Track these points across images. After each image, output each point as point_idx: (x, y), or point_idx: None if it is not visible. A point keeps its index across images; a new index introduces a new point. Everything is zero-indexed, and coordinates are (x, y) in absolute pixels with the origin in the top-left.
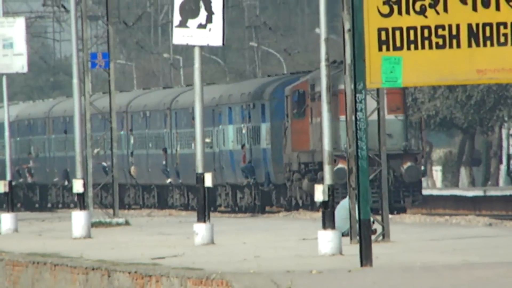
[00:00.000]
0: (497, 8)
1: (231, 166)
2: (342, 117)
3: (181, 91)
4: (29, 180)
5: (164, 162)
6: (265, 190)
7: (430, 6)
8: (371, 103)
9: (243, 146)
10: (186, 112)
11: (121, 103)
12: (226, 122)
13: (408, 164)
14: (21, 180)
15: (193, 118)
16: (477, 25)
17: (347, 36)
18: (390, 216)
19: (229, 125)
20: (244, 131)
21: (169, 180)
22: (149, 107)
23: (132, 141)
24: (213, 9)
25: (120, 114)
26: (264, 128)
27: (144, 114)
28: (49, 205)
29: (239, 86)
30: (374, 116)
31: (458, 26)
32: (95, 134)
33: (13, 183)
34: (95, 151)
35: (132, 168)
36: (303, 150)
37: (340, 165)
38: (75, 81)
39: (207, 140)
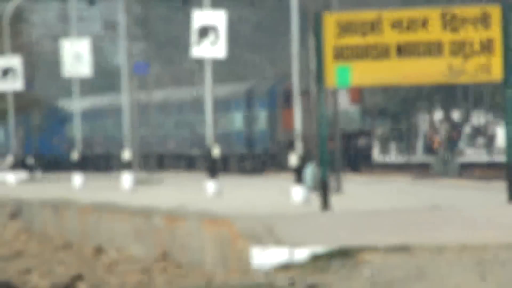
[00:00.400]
0: (416, 31)
1: (239, 141)
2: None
3: (198, 88)
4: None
5: (190, 139)
6: (263, 157)
7: (371, 29)
8: (343, 98)
9: (246, 128)
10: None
11: (164, 96)
12: (234, 110)
13: (363, 139)
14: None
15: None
16: (403, 43)
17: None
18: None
19: (236, 113)
20: (248, 117)
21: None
22: (181, 100)
23: (170, 124)
24: (219, 33)
25: (159, 107)
26: (264, 115)
27: (175, 105)
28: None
29: (243, 86)
30: (341, 105)
31: (389, 44)
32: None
33: (88, 153)
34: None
35: (170, 143)
36: (289, 129)
37: None
38: (124, 83)
39: (222, 122)
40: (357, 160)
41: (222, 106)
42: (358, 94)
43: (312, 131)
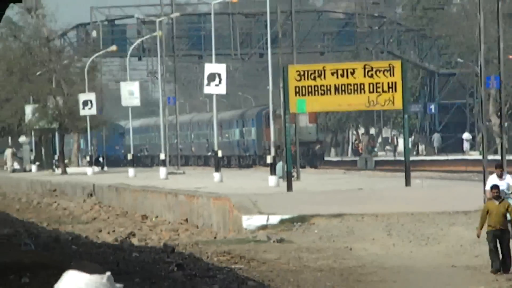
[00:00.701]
0: (347, 77)
1: (237, 147)
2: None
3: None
4: (146, 153)
5: (206, 145)
6: (254, 158)
7: (318, 76)
8: (304, 119)
9: (242, 138)
10: (218, 123)
11: (188, 118)
12: (235, 127)
13: (318, 145)
14: (142, 153)
15: (221, 126)
16: (339, 84)
17: (281, 90)
18: (304, 169)
19: (236, 129)
20: (244, 131)
21: (209, 153)
22: (201, 120)
23: (193, 135)
24: (221, 78)
25: (185, 125)
26: (254, 130)
27: (198, 124)
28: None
29: (240, 111)
30: (302, 124)
31: (330, 85)
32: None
33: (138, 155)
34: (175, 140)
35: (193, 148)
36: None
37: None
38: (161, 110)
39: (226, 135)
40: (314, 160)
41: (227, 124)
42: (315, 116)
43: (282, 140)
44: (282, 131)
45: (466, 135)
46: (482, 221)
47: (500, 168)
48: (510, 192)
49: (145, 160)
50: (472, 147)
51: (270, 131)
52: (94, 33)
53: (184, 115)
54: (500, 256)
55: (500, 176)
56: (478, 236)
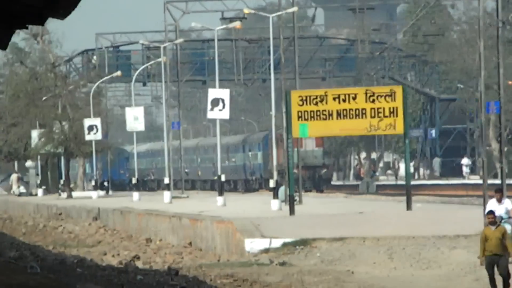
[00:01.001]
0: (349, 102)
1: (244, 171)
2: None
3: (220, 138)
4: (152, 177)
5: (213, 170)
6: (260, 181)
7: (320, 101)
8: (310, 143)
9: (249, 162)
10: (223, 148)
11: (195, 143)
12: (241, 151)
13: (324, 169)
14: (148, 177)
15: (227, 150)
16: (341, 109)
17: (284, 115)
18: (310, 193)
19: (242, 153)
20: (250, 155)
21: (215, 177)
22: (207, 144)
23: (199, 159)
24: (225, 103)
25: (192, 149)
26: (260, 154)
27: (204, 148)
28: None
29: (246, 135)
30: (309, 148)
31: (332, 110)
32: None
33: (144, 179)
34: (183, 164)
35: (199, 172)
36: (277, 163)
37: (294, 171)
38: (165, 134)
39: (233, 159)
40: (320, 184)
41: (234, 148)
42: (321, 140)
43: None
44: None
45: (466, 161)
46: (482, 248)
47: (499, 192)
48: (507, 217)
49: (151, 184)
50: (472, 172)
51: (278, 154)
52: (94, 59)
53: (190, 139)
54: (500, 281)
55: (499, 201)
56: (482, 264)
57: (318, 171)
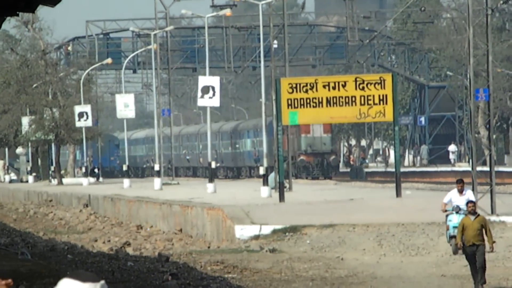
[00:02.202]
0: (339, 89)
1: (249, 157)
2: (303, 135)
3: (223, 124)
4: (152, 164)
5: (215, 156)
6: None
7: (310, 88)
8: (317, 129)
9: (254, 149)
10: (226, 134)
11: (196, 129)
12: (246, 137)
13: (332, 156)
14: (148, 164)
15: (231, 136)
16: (331, 97)
17: (274, 103)
18: (318, 180)
19: (247, 139)
20: (255, 141)
21: (218, 164)
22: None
23: (201, 146)
24: (215, 90)
25: (194, 135)
26: (265, 140)
27: (206, 135)
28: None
29: (251, 121)
30: (317, 134)
31: (322, 98)
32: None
33: (144, 166)
34: (184, 151)
35: (201, 159)
36: (283, 150)
37: (301, 157)
38: (155, 122)
39: (237, 145)
40: (328, 171)
41: (238, 134)
42: (330, 126)
43: (294, 150)
44: (292, 141)
45: (452, 147)
46: (459, 236)
47: (460, 183)
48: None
49: (151, 171)
50: (459, 159)
51: (285, 140)
52: (70, 50)
53: (191, 125)
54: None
55: (461, 192)
56: (459, 247)
57: (326, 157)
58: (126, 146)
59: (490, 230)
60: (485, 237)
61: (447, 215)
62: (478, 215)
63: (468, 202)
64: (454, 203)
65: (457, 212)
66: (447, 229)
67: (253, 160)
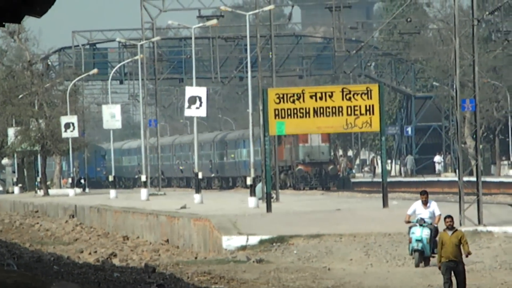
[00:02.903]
0: (326, 100)
1: (244, 167)
2: (301, 144)
3: (218, 133)
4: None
5: (210, 166)
6: (261, 179)
7: (297, 99)
8: (316, 138)
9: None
10: (221, 143)
11: (190, 139)
12: (242, 147)
13: (331, 166)
14: (140, 175)
15: (226, 145)
16: (318, 107)
17: (261, 113)
18: (315, 190)
19: (243, 149)
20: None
21: (212, 174)
22: (204, 141)
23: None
24: (202, 101)
25: (187, 145)
26: (252, 150)
27: (200, 145)
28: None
29: (246, 130)
30: (315, 143)
31: (308, 108)
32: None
33: (135, 176)
34: (177, 161)
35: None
36: (281, 160)
37: (299, 167)
38: (142, 133)
39: (232, 155)
40: (327, 181)
41: (233, 144)
42: (328, 135)
43: (292, 159)
44: (290, 150)
45: (438, 158)
46: (439, 253)
47: (424, 195)
48: (430, 222)
49: (126, 181)
50: (444, 169)
51: (282, 150)
52: (50, 64)
53: (184, 135)
54: None
55: (425, 204)
56: (440, 268)
57: (324, 167)
58: (112, 157)
59: (467, 241)
60: (462, 251)
61: (410, 227)
62: (456, 230)
63: (446, 217)
64: (418, 215)
65: (420, 225)
66: (410, 241)
67: (249, 170)
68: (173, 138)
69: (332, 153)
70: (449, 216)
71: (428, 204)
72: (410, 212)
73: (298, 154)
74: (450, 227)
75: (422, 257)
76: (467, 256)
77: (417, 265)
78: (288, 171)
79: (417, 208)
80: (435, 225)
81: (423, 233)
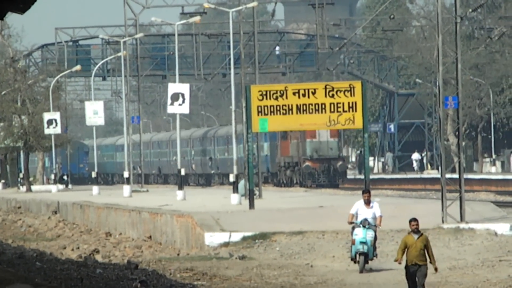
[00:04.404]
0: (309, 97)
1: (247, 164)
2: (309, 139)
3: (218, 128)
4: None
5: (210, 163)
6: (265, 175)
7: (280, 95)
8: (324, 133)
9: (253, 154)
10: (223, 138)
11: (188, 134)
12: (242, 142)
13: (340, 162)
14: (135, 171)
15: (227, 141)
16: (301, 104)
17: (244, 110)
18: (323, 189)
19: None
20: (254, 146)
21: (212, 171)
22: (202, 136)
23: (193, 152)
24: (185, 97)
25: (185, 141)
26: (266, 145)
27: (199, 140)
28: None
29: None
30: (323, 138)
31: (291, 105)
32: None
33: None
34: (174, 158)
35: (193, 166)
36: (286, 155)
37: (306, 163)
38: (125, 129)
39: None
40: (336, 177)
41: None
42: (337, 130)
43: (299, 155)
44: (296, 146)
45: (416, 155)
46: (399, 253)
47: (367, 193)
48: (373, 224)
49: (109, 178)
50: (421, 167)
51: (288, 145)
52: (20, 65)
53: (183, 130)
54: None
55: (368, 203)
56: (399, 263)
57: (333, 163)
58: (95, 153)
59: (432, 249)
60: (427, 257)
61: (353, 228)
62: (422, 234)
63: (411, 220)
64: (360, 215)
65: (364, 226)
66: (353, 243)
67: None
68: (170, 134)
69: (340, 149)
70: (415, 219)
71: (370, 204)
72: (353, 212)
73: (306, 149)
74: (416, 231)
75: (366, 260)
76: (436, 271)
77: (361, 271)
78: (295, 167)
79: (359, 208)
80: (379, 227)
81: (367, 235)
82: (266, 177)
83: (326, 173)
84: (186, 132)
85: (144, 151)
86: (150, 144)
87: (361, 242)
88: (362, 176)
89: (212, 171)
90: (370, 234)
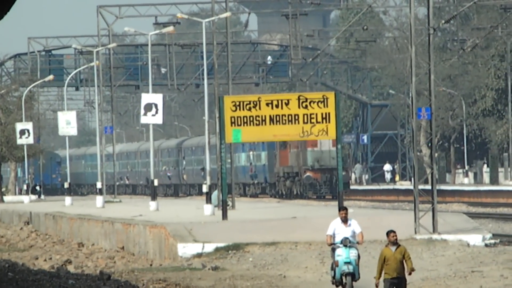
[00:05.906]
0: (282, 108)
1: (243, 173)
2: (310, 148)
3: (211, 137)
4: (127, 182)
5: (202, 173)
6: (263, 186)
7: (253, 106)
8: (326, 142)
9: (250, 163)
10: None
11: (177, 143)
12: (241, 151)
13: (343, 173)
14: (122, 182)
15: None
16: (274, 115)
17: (217, 120)
18: (323, 200)
19: (242, 153)
20: (251, 155)
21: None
22: (195, 145)
23: (184, 162)
24: (158, 108)
25: (176, 150)
26: (264, 154)
27: (191, 149)
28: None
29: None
30: (325, 148)
31: (265, 116)
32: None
33: (117, 183)
34: (164, 167)
35: (184, 176)
36: (286, 165)
37: (307, 174)
38: (98, 139)
39: (228, 160)
40: (337, 187)
41: (229, 149)
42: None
43: (299, 165)
44: (297, 155)
45: (387, 167)
46: (379, 269)
47: (344, 211)
48: (355, 241)
49: (82, 188)
50: (392, 178)
51: (287, 154)
52: None
53: (171, 139)
54: None
55: (345, 222)
56: (377, 286)
57: (335, 174)
58: (68, 163)
59: (410, 256)
60: (405, 266)
61: (333, 249)
62: (399, 245)
63: (389, 232)
64: (338, 235)
65: (345, 246)
66: (336, 265)
67: (248, 176)
68: (158, 143)
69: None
70: (393, 231)
71: (348, 222)
72: (330, 233)
73: (307, 159)
74: (394, 242)
75: (354, 280)
76: (410, 274)
77: None
78: (295, 177)
79: (337, 227)
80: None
81: (350, 254)
82: (264, 188)
83: (328, 184)
84: (174, 141)
85: (134, 161)
86: (138, 153)
87: (346, 263)
88: (358, 187)
89: (205, 182)
90: (353, 253)
